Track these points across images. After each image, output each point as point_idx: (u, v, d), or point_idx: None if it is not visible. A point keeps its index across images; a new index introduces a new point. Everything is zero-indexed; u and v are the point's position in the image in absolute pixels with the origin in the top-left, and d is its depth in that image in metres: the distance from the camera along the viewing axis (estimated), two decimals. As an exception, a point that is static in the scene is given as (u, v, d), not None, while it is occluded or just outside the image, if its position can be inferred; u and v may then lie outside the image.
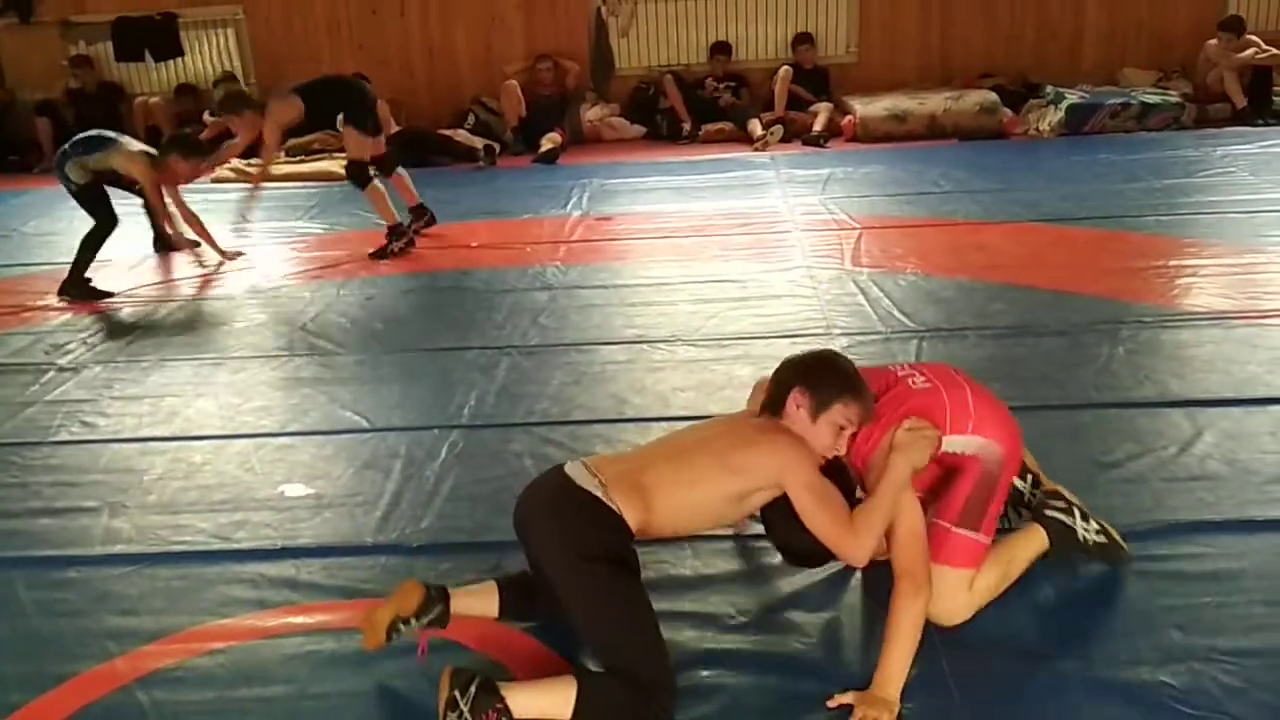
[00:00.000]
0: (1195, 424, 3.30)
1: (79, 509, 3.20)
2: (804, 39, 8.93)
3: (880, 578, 2.36)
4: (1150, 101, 7.94)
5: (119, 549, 2.97)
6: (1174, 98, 8.03)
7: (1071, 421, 3.40)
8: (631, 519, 2.24)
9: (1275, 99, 8.11)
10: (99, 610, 2.69)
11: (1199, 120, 7.95)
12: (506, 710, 2.06)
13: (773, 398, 2.39)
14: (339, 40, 9.29)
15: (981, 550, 2.38)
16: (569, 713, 2.07)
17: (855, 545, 2.22)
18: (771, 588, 2.62)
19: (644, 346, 4.24)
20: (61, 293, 5.30)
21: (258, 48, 9.44)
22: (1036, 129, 8.03)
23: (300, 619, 2.61)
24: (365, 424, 3.68)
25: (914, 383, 2.45)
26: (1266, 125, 7.75)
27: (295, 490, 3.25)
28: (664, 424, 3.38)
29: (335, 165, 7.99)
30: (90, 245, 5.42)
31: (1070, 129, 7.85)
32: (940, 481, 2.44)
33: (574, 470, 2.32)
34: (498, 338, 4.42)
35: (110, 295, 5.31)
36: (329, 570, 2.83)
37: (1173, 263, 4.85)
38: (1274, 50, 8.04)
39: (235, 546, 2.95)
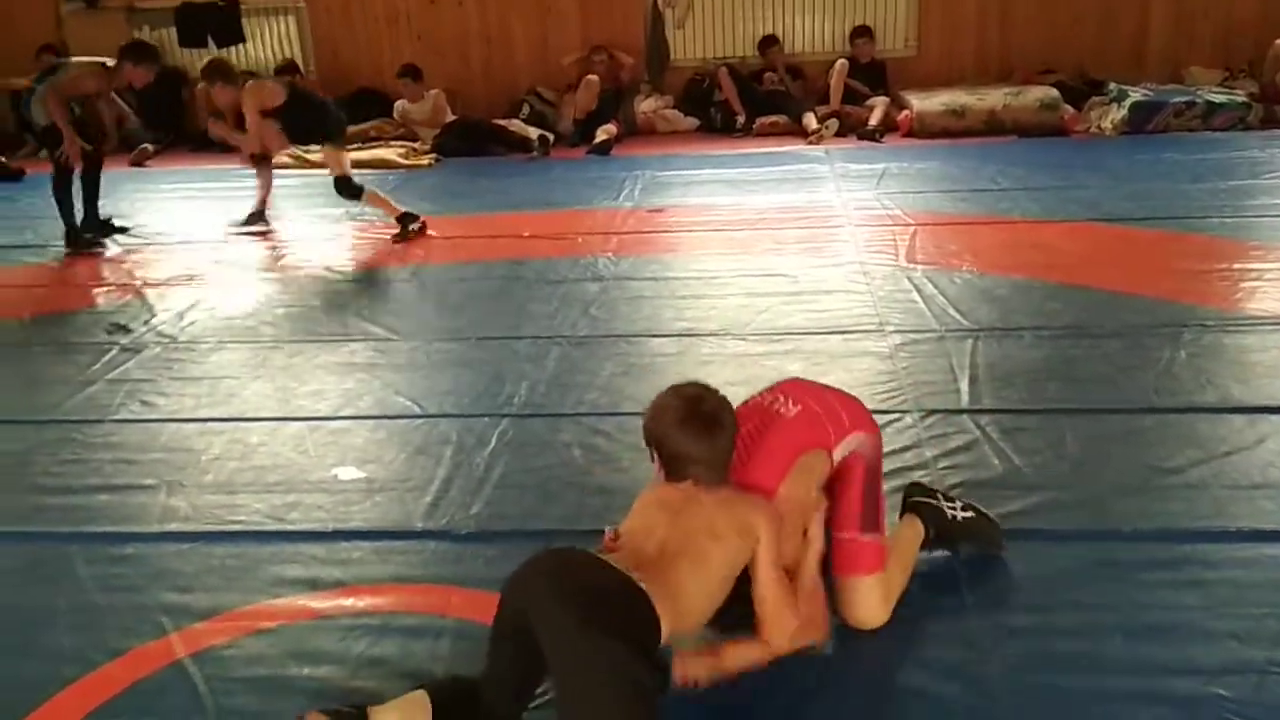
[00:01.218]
0: (1258, 431, 3.22)
1: (137, 486, 3.26)
2: (862, 32, 8.84)
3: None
4: (1216, 101, 7.76)
5: (175, 527, 3.03)
6: (1240, 97, 7.84)
7: (1130, 426, 3.34)
8: (665, 625, 1.98)
9: (1347, 99, 7.89)
10: (154, 586, 2.74)
11: (1265, 120, 7.75)
12: None
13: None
14: (397, 29, 9.37)
15: (884, 548, 2.41)
16: None
17: (786, 630, 2.15)
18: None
19: (693, 339, 4.24)
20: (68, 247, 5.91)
21: (318, 36, 9.54)
22: (1098, 127, 7.88)
23: (350, 601, 2.64)
24: (418, 410, 3.71)
25: (786, 411, 2.37)
26: (1337, 126, 7.55)
27: (348, 473, 3.29)
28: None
29: (391, 153, 8.09)
30: (60, 192, 5.90)
31: (1133, 127, 7.70)
32: (832, 489, 2.41)
33: (597, 557, 2.05)
34: (549, 328, 4.43)
35: (102, 243, 6.01)
36: (379, 554, 2.86)
37: (1237, 266, 4.74)
38: (1348, 49, 7.83)
39: (288, 528, 2.99)
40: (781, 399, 2.45)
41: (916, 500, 2.67)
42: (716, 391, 2.27)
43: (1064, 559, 2.64)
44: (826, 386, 2.59)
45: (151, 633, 2.55)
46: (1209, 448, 3.15)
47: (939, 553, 2.66)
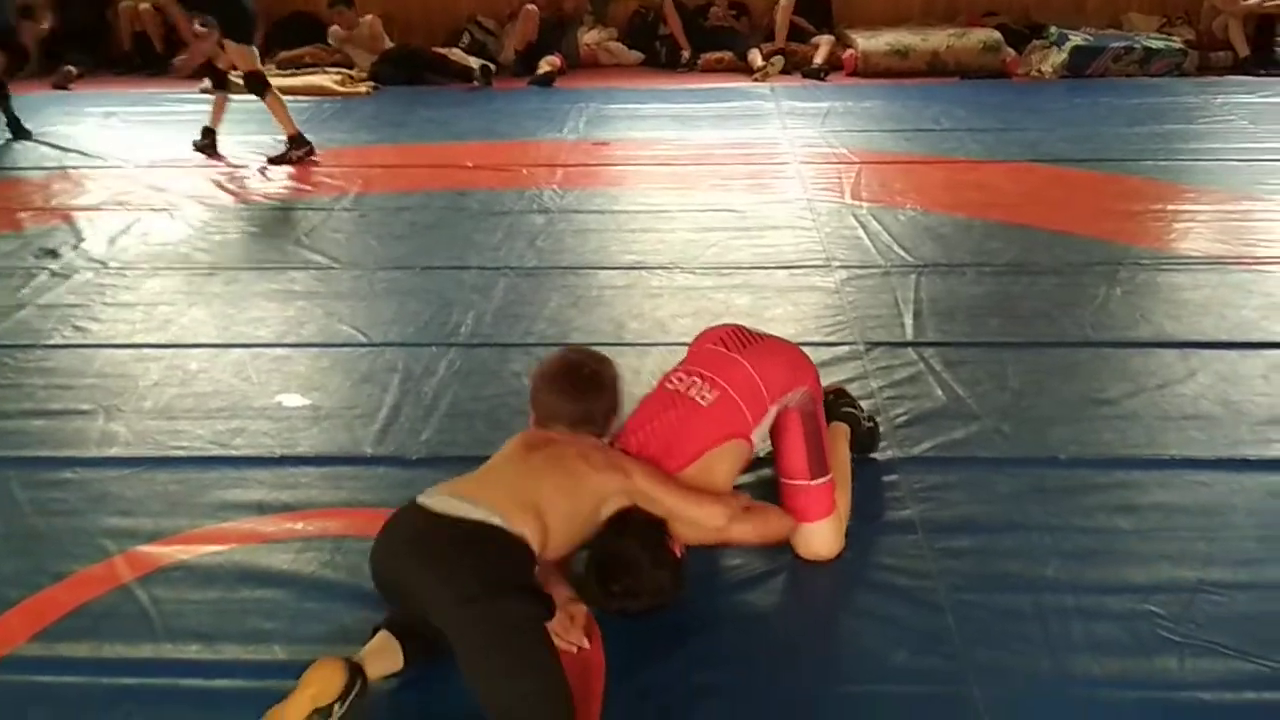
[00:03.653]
0: (1189, 365, 3.32)
1: (74, 411, 3.18)
2: (808, -32, 8.77)
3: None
4: (1153, 47, 7.88)
5: (115, 452, 2.97)
6: (1177, 44, 7.97)
7: (1067, 359, 3.42)
8: (534, 541, 2.02)
9: (1278, 49, 8.05)
10: (96, 511, 2.69)
11: (1201, 67, 7.89)
12: None
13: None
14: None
15: (832, 488, 2.44)
16: None
17: (717, 511, 2.24)
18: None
19: (642, 272, 4.23)
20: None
21: (249, -44, 9.18)
22: (1039, 70, 7.95)
23: (299, 525, 2.63)
24: (362, 338, 3.66)
25: (702, 398, 2.35)
26: (1268, 75, 7.70)
27: (292, 400, 3.25)
28: (663, 349, 3.39)
29: (328, 80, 7.89)
30: None
31: (1072, 71, 7.79)
32: (774, 440, 2.45)
33: (443, 504, 2.04)
34: (495, 259, 4.39)
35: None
36: (328, 479, 2.84)
37: (1170, 207, 4.85)
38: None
39: (233, 453, 2.95)
40: (699, 382, 2.39)
41: (845, 412, 2.76)
42: (605, 361, 2.41)
43: (1004, 484, 2.72)
44: (746, 343, 2.48)
45: (95, 556, 2.51)
46: (1142, 380, 3.25)
47: (886, 479, 2.73)
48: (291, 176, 5.68)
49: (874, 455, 2.82)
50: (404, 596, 2.02)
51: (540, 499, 2.07)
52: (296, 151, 5.86)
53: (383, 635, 2.06)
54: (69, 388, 3.34)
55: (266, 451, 2.96)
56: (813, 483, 2.42)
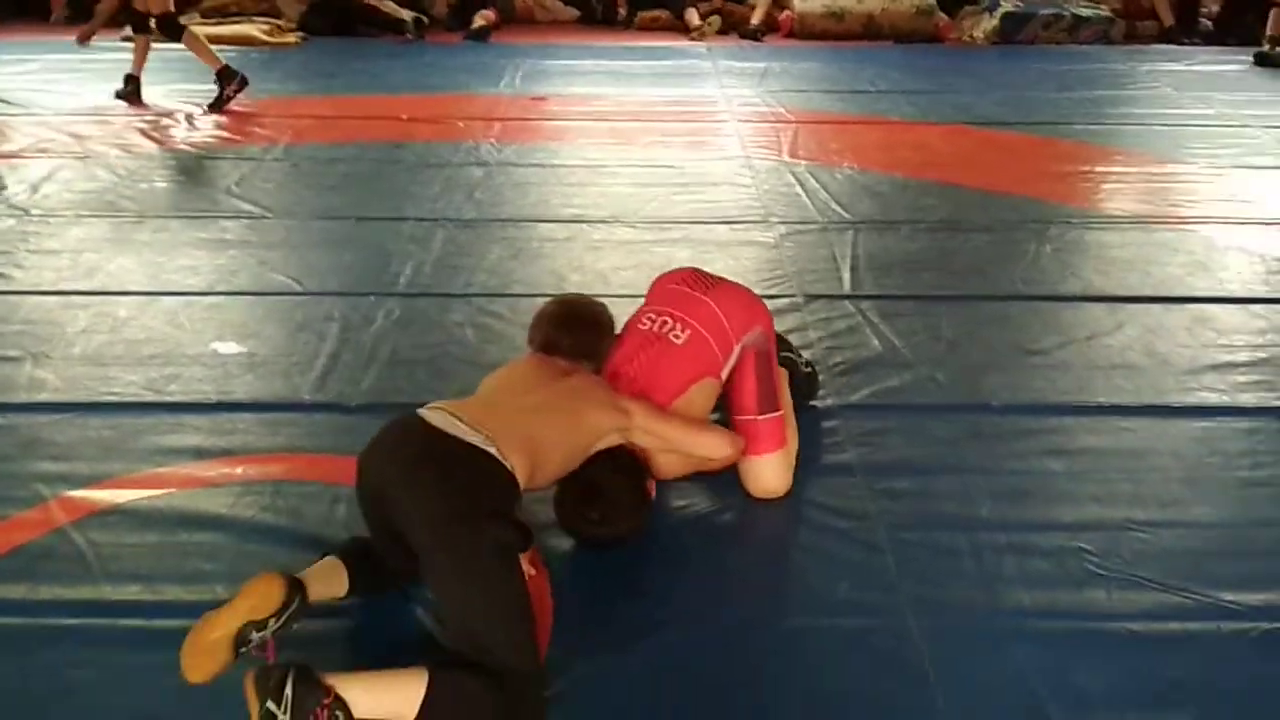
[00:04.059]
0: (1117, 318, 3.43)
1: (3, 359, 3.09)
2: (745, -71, 8.75)
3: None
4: (1082, 14, 8.03)
5: (46, 397, 2.90)
6: (1105, 11, 8.14)
7: (999, 312, 3.51)
8: (521, 476, 2.02)
9: (1201, 19, 8.26)
10: (28, 456, 2.63)
11: (1128, 36, 8.07)
12: (341, 702, 1.72)
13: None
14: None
15: (783, 422, 2.52)
16: (412, 712, 1.75)
17: (716, 443, 2.39)
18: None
19: (583, 226, 4.22)
20: None
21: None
22: (971, 35, 8.06)
23: (239, 470, 2.60)
24: (298, 287, 3.61)
25: (675, 337, 2.43)
26: (1192, 44, 7.90)
27: (227, 348, 3.20)
28: (606, 301, 3.38)
29: (255, 30, 7.69)
30: None
31: (1003, 37, 7.92)
32: (728, 381, 2.51)
33: (442, 420, 2.02)
34: (432, 210, 4.34)
35: None
36: (267, 425, 2.80)
37: (1099, 169, 4.97)
38: (1203, -29, 8.17)
39: (168, 399, 2.90)
40: (670, 322, 2.47)
41: (785, 356, 2.79)
42: (599, 303, 2.51)
43: (939, 429, 2.79)
44: (706, 285, 2.57)
45: (29, 501, 2.46)
46: (1072, 332, 3.35)
47: (826, 425, 2.78)
48: (220, 126, 5.54)
49: (814, 403, 2.86)
50: (384, 503, 1.97)
51: (536, 435, 2.07)
52: (230, 87, 5.72)
53: (329, 559, 2.05)
54: (-6, 334, 3.25)
55: (202, 398, 2.91)
56: (761, 417, 2.47)
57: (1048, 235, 4.11)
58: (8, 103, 5.90)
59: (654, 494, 2.37)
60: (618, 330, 2.53)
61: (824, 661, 2.03)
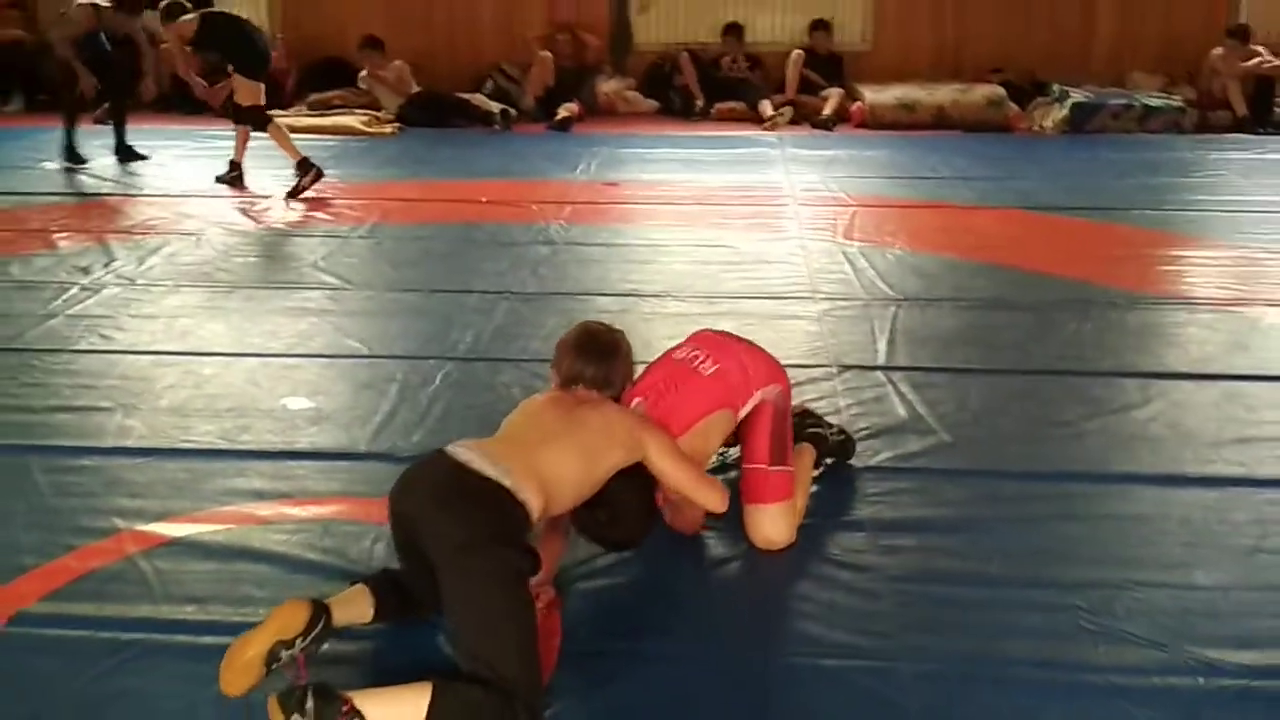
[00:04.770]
0: (1146, 394, 3.49)
1: (94, 408, 3.42)
2: (819, 25, 9.10)
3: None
4: (1152, 104, 8.11)
5: (130, 443, 3.20)
6: (1176, 102, 8.20)
7: (1029, 386, 3.60)
8: (534, 508, 2.18)
9: (1277, 109, 8.26)
10: (108, 494, 2.91)
11: (1200, 126, 8.11)
12: (357, 712, 1.88)
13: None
14: (365, 2, 9.48)
15: (792, 477, 2.66)
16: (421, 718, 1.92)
17: (715, 498, 2.51)
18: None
19: (636, 299, 4.45)
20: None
21: (286, 5, 9.63)
22: (1041, 125, 8.19)
23: (294, 510, 2.83)
24: (366, 351, 3.90)
25: (704, 369, 2.63)
26: (1266, 134, 7.90)
27: (297, 403, 3.47)
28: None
29: (355, 120, 8.24)
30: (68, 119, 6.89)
31: (1073, 127, 8.03)
32: (743, 430, 2.67)
33: (465, 455, 2.20)
34: (498, 284, 4.62)
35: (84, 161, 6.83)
36: (324, 472, 3.05)
37: (1151, 252, 5.04)
38: (1278, 61, 8.18)
39: (238, 447, 3.17)
40: (700, 355, 2.69)
41: (811, 432, 2.93)
42: (617, 330, 2.64)
43: (952, 492, 2.90)
44: (737, 340, 2.81)
45: (104, 532, 2.72)
46: (1100, 406, 3.42)
47: (841, 485, 2.91)
48: (313, 207, 5.97)
49: (829, 463, 2.98)
50: (411, 530, 2.17)
51: (550, 472, 2.23)
52: (306, 177, 6.13)
53: (358, 587, 2.25)
54: (91, 387, 3.58)
55: (269, 446, 3.18)
56: (772, 468, 2.62)
57: (1090, 315, 4.20)
58: (123, 184, 6.46)
59: (662, 503, 2.55)
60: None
61: (807, 699, 2.14)
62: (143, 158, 7.11)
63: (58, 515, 2.81)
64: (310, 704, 1.88)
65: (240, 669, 2.05)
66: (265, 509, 2.84)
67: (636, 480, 2.41)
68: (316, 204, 6.03)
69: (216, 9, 6.41)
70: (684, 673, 2.22)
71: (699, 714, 2.12)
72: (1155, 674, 2.19)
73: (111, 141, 7.16)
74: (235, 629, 2.32)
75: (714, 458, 2.91)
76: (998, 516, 2.78)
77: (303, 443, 3.21)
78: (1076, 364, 3.77)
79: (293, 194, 6.12)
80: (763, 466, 2.63)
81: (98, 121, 8.44)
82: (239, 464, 3.08)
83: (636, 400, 2.60)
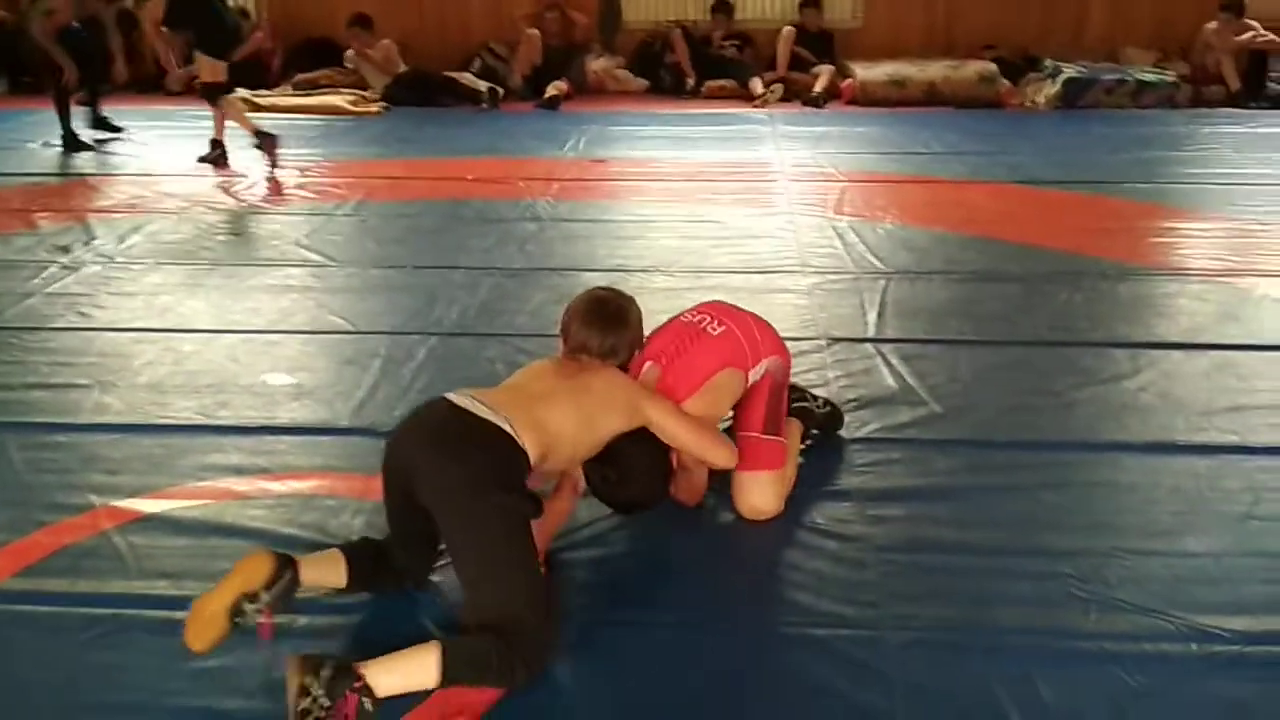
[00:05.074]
0: (1136, 364, 3.45)
1: (71, 385, 3.37)
2: (810, 2, 9.01)
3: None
4: (1146, 79, 8.05)
5: (107, 419, 3.15)
6: (1170, 77, 8.14)
7: (1019, 356, 3.56)
8: (533, 454, 2.16)
9: (1270, 83, 8.20)
10: (84, 470, 2.86)
11: (1193, 101, 8.06)
12: (367, 687, 1.88)
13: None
14: (352, -21, 9.37)
15: (783, 449, 2.64)
16: (435, 677, 1.93)
17: (723, 453, 2.49)
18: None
19: (623, 274, 4.38)
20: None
21: (271, -17, 9.54)
22: (1033, 101, 8.14)
23: (274, 485, 2.79)
24: (349, 327, 3.85)
25: (712, 330, 2.62)
26: (1259, 109, 7.86)
27: (277, 379, 3.42)
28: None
29: (340, 100, 8.16)
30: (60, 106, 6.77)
31: (1065, 103, 7.97)
32: (741, 399, 2.64)
33: (464, 400, 2.19)
34: (484, 260, 4.57)
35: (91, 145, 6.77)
36: (304, 447, 3.00)
37: (1139, 224, 5.00)
38: (1272, 35, 8.13)
39: (217, 423, 3.12)
40: (708, 319, 2.67)
41: (797, 407, 2.89)
42: (625, 295, 2.59)
43: (940, 462, 2.86)
44: (744, 311, 2.79)
45: (80, 508, 2.68)
46: (1090, 376, 3.38)
47: (829, 456, 2.87)
48: (298, 186, 5.90)
49: (814, 434, 2.94)
50: (408, 479, 2.13)
51: (548, 423, 2.21)
52: (269, 148, 6.10)
53: (331, 551, 2.23)
54: (69, 365, 3.53)
55: (248, 422, 3.13)
56: (764, 436, 2.58)
57: (1080, 286, 4.16)
58: (106, 164, 6.38)
59: (676, 463, 2.50)
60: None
61: (794, 667, 2.11)
62: (117, 129, 7.16)
63: (31, 491, 2.76)
64: (326, 671, 1.87)
65: (204, 623, 2.00)
66: (244, 484, 2.80)
67: (649, 440, 2.39)
68: (300, 183, 5.96)
69: None
70: (672, 642, 2.19)
71: (687, 683, 2.08)
72: (1148, 640, 2.16)
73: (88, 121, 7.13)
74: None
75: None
76: (987, 485, 2.75)
77: (283, 418, 3.17)
78: (1066, 335, 3.73)
79: (272, 166, 6.09)
80: (755, 434, 2.59)
81: (79, 104, 8.41)
82: (217, 439, 3.03)
83: (648, 365, 2.56)
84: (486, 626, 1.99)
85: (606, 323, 2.48)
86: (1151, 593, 2.30)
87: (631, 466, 2.39)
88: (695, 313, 2.73)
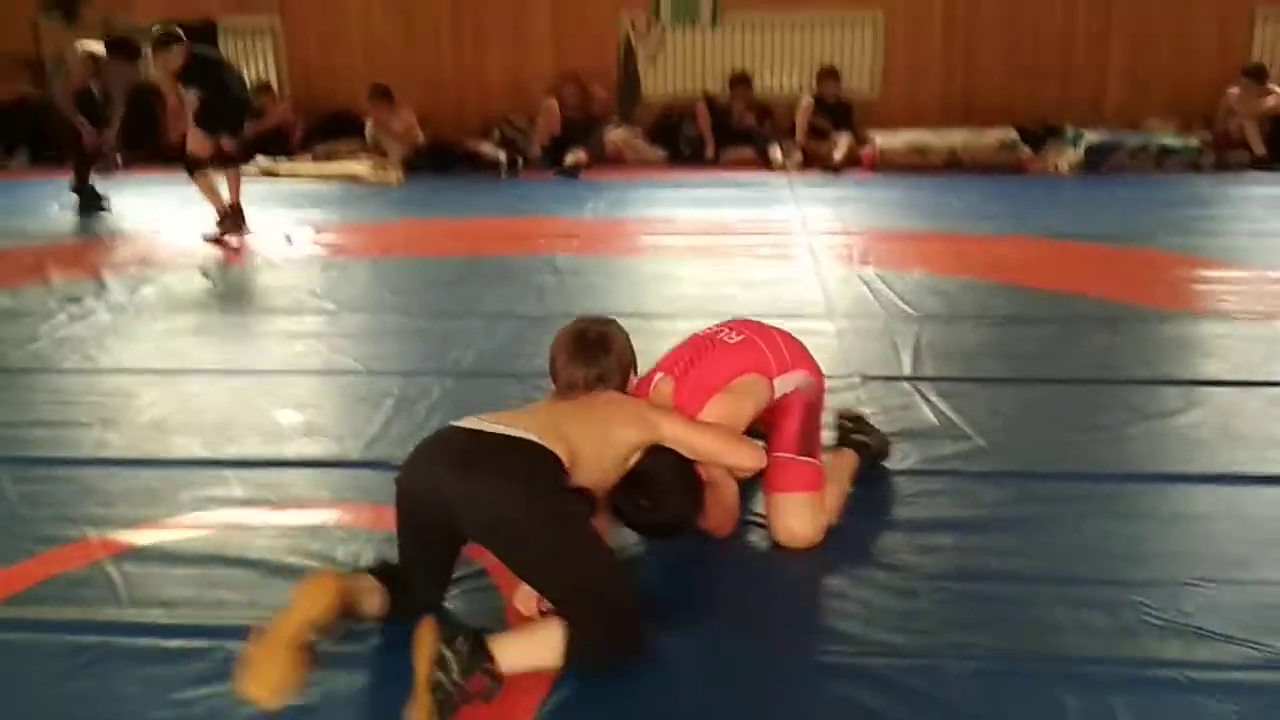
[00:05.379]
0: (1189, 400, 3.28)
1: (73, 423, 3.23)
2: (828, 73, 9.03)
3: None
4: (1169, 144, 7.99)
5: (107, 454, 3.00)
6: (1193, 142, 8.07)
7: (1064, 392, 3.40)
8: (564, 458, 2.06)
9: (1294, 148, 8.13)
10: (80, 502, 2.71)
11: (1218, 165, 7.97)
12: (495, 673, 1.83)
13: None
14: (373, 57, 9.47)
15: (820, 472, 2.47)
16: (558, 659, 1.90)
17: (746, 454, 2.33)
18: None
19: (645, 319, 4.22)
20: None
21: (293, 59, 9.64)
22: (1055, 167, 8.07)
23: (280, 515, 2.62)
24: (361, 368, 3.71)
25: (728, 339, 2.50)
26: (1285, 172, 7.77)
27: (287, 417, 3.28)
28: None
29: (360, 168, 8.15)
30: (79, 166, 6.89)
31: (1089, 168, 7.90)
32: (772, 419, 2.49)
33: (480, 424, 2.09)
34: (503, 308, 4.45)
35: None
36: (313, 480, 2.85)
37: (1176, 274, 4.86)
38: (1295, 100, 8.09)
39: (221, 457, 2.97)
40: (726, 330, 2.56)
41: (854, 439, 2.74)
42: (606, 319, 2.49)
43: (990, 494, 2.67)
44: (770, 326, 2.66)
45: (72, 539, 2.51)
46: (1140, 411, 3.20)
47: (871, 488, 2.69)
48: (314, 244, 5.83)
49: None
50: (434, 511, 2.01)
51: (571, 437, 2.10)
52: (227, 225, 5.86)
53: (368, 580, 2.07)
54: (71, 404, 3.39)
55: (254, 456, 2.97)
56: (799, 457, 2.42)
57: (1119, 329, 4.00)
58: (126, 226, 6.34)
59: (706, 479, 2.33)
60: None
61: (847, 696, 1.91)
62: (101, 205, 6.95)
63: (25, 523, 2.61)
64: (462, 644, 1.81)
65: (276, 663, 1.82)
66: (247, 515, 2.64)
67: (672, 457, 2.24)
68: (317, 242, 5.88)
69: (203, 47, 6.21)
70: (718, 668, 2.01)
71: (734, 710, 1.90)
72: (1235, 669, 1.96)
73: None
74: (202, 632, 2.13)
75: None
76: (1041, 515, 2.56)
77: (290, 453, 3.01)
78: (1110, 373, 3.56)
79: (211, 238, 5.83)
80: (789, 454, 2.42)
81: (100, 172, 8.44)
82: (220, 473, 2.87)
83: (659, 376, 2.43)
84: (583, 615, 1.93)
85: (589, 353, 2.37)
86: (1233, 621, 2.10)
87: (662, 486, 2.23)
88: (716, 327, 2.60)
